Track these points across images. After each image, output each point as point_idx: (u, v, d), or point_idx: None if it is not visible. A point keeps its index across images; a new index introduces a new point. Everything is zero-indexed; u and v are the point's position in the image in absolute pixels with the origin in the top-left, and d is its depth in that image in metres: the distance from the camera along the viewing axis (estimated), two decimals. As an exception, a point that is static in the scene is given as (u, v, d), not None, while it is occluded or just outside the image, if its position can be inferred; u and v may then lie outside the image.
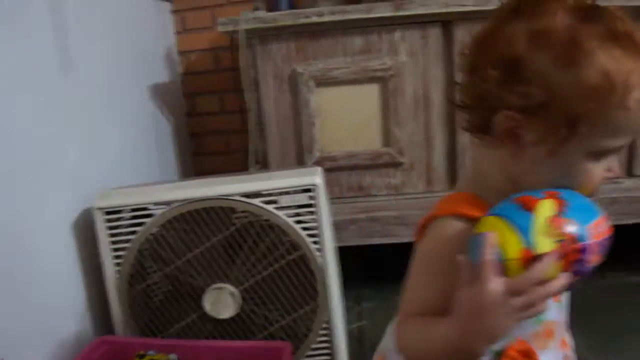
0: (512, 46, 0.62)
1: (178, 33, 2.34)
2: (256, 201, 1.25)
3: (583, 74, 0.59)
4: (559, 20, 0.61)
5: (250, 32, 1.68)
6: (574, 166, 0.64)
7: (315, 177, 1.27)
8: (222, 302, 1.28)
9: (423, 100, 1.73)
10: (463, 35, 1.69)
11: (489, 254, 0.60)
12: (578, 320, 1.64)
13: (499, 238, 0.60)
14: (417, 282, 0.74)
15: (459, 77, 0.73)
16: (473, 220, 0.66)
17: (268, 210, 1.25)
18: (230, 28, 1.68)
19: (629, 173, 1.89)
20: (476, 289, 0.60)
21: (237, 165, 2.24)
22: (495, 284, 0.60)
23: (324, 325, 1.34)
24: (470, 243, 0.63)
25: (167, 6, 2.28)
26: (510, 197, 0.64)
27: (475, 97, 0.68)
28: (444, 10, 1.66)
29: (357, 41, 1.70)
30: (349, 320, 1.60)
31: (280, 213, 1.25)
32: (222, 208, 1.26)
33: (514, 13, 0.65)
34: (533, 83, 0.61)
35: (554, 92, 0.60)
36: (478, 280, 0.60)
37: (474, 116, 0.69)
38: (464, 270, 0.63)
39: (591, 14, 0.61)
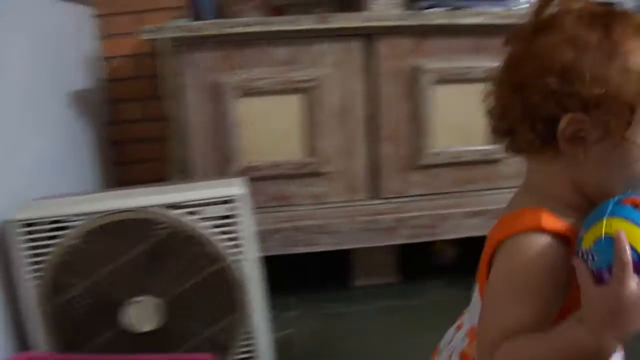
0: (558, 55, 0.67)
1: (102, 38, 2.29)
2: (177, 212, 1.24)
3: (627, 62, 0.64)
4: (582, 25, 0.67)
5: (175, 40, 1.67)
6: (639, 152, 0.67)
7: (237, 188, 1.27)
8: (144, 315, 1.27)
9: (346, 111, 1.77)
10: (385, 49, 1.74)
11: (627, 253, 0.60)
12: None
13: (631, 238, 0.61)
14: (508, 302, 0.69)
15: (488, 105, 0.77)
16: (556, 235, 0.68)
17: (189, 222, 1.25)
18: (155, 36, 1.66)
19: None
20: (616, 288, 0.60)
21: (161, 174, 2.20)
22: (636, 283, 0.60)
23: (248, 335, 1.34)
24: (598, 245, 0.63)
25: (89, 11, 2.24)
26: (615, 201, 0.65)
27: (527, 114, 0.70)
28: (366, 24, 1.70)
29: (282, 52, 1.71)
30: (275, 329, 1.61)
31: (202, 224, 1.25)
32: (142, 220, 1.25)
33: (538, 31, 0.70)
34: (587, 82, 0.64)
35: (609, 85, 0.64)
36: (617, 280, 0.60)
37: (527, 135, 0.71)
38: (585, 273, 0.63)
39: (606, 12, 0.69)
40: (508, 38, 0.75)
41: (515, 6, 1.91)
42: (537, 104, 0.68)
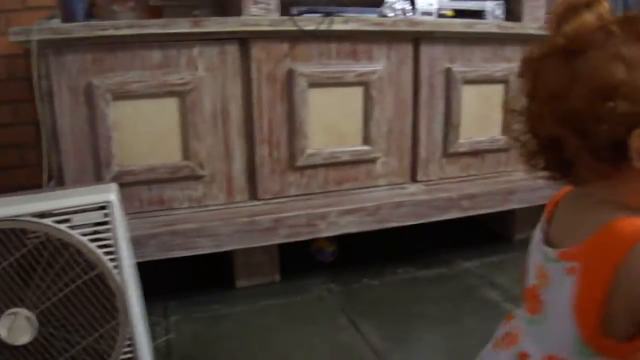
0: (608, 76, 0.64)
1: (-31, 38, 2.19)
2: (48, 221, 1.21)
3: None
4: (619, 40, 0.65)
5: (44, 42, 1.61)
6: None
7: (110, 194, 1.26)
8: (18, 327, 1.23)
9: (221, 114, 1.79)
10: (260, 53, 1.78)
11: None
12: (373, 313, 1.79)
13: None
14: None
15: (523, 142, 0.75)
16: None
17: (61, 230, 1.22)
18: (22, 38, 1.60)
19: (413, 179, 2.08)
20: None
21: (34, 180, 2.13)
22: None
23: (127, 343, 1.33)
24: None
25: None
26: None
27: (588, 144, 0.66)
28: (240, 28, 1.73)
29: (156, 55, 1.70)
30: (156, 335, 1.60)
31: (74, 232, 1.23)
32: (13, 229, 1.21)
33: (573, 55, 0.67)
34: None
35: None
36: None
37: (592, 165, 0.67)
38: None
39: (628, 19, 0.67)
40: (526, 67, 0.73)
41: (387, 13, 2.00)
42: (601, 132, 0.65)
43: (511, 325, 0.84)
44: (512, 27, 2.17)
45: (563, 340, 0.71)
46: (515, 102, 0.75)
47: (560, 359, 0.72)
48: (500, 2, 2.23)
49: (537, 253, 0.78)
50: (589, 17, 0.68)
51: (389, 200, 1.96)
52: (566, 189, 0.80)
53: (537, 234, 0.81)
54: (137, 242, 1.49)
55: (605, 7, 0.68)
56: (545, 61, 0.70)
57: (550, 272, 0.74)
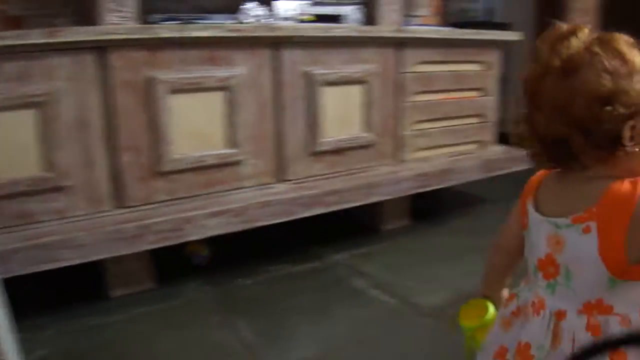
0: (601, 86, 0.80)
1: None
2: None
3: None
4: (603, 58, 0.81)
5: None
6: None
7: (-36, 211, 1.24)
8: None
9: (82, 123, 1.77)
10: (119, 61, 1.78)
11: None
12: (247, 311, 1.84)
13: None
14: None
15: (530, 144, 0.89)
16: None
17: None
18: None
19: (280, 179, 2.16)
20: None
21: None
22: None
23: (-5, 360, 1.31)
24: None
25: None
26: None
27: (593, 139, 0.82)
28: (98, 37, 1.73)
29: (13, 67, 1.66)
30: (28, 351, 1.57)
31: None
32: None
33: (569, 73, 0.82)
34: (634, 97, 0.80)
35: None
36: None
37: (595, 154, 0.84)
38: None
39: (604, 40, 0.84)
40: (527, 86, 0.88)
41: (243, 20, 2.06)
42: (604, 130, 0.81)
43: (522, 299, 0.98)
44: (369, 31, 2.29)
45: (594, 284, 0.87)
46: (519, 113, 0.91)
47: (595, 301, 0.88)
48: (359, 6, 2.34)
49: (544, 226, 0.92)
50: (575, 42, 0.84)
51: (256, 200, 2.01)
52: (542, 173, 0.98)
53: (533, 214, 0.95)
54: (0, 259, 1.46)
55: (585, 32, 0.85)
56: (544, 80, 0.85)
57: (565, 237, 0.89)
